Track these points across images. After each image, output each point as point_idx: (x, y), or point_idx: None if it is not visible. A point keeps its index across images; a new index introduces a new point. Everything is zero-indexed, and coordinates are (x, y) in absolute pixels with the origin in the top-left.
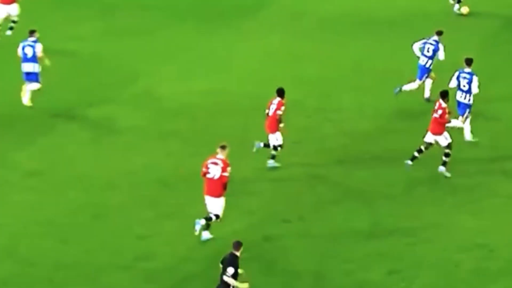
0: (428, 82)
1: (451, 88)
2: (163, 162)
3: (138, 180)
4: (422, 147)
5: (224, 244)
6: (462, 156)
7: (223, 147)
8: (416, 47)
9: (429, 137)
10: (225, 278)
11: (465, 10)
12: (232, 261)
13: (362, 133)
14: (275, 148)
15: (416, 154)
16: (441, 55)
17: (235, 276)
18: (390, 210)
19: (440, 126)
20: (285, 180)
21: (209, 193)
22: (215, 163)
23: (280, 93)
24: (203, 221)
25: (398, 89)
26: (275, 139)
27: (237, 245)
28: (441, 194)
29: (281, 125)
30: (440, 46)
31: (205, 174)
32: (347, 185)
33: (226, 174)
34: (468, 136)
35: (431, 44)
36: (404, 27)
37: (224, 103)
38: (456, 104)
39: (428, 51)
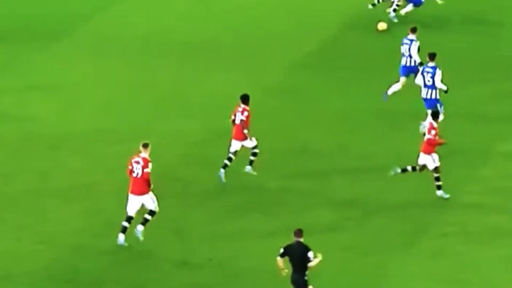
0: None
1: (417, 85)
2: None
3: None
4: (416, 168)
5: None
6: None
7: (145, 146)
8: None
9: (422, 159)
10: (311, 264)
11: (381, 27)
12: (305, 247)
13: (175, 158)
14: (254, 154)
15: (409, 168)
16: (413, 52)
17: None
18: None
19: (431, 147)
20: None
21: (134, 191)
22: (137, 162)
23: (245, 99)
24: (140, 227)
25: (385, 94)
26: (249, 143)
27: (300, 232)
28: None
29: (245, 131)
30: (414, 43)
31: (131, 172)
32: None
33: (147, 170)
34: None
35: (406, 43)
36: (213, 50)
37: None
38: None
39: (406, 51)
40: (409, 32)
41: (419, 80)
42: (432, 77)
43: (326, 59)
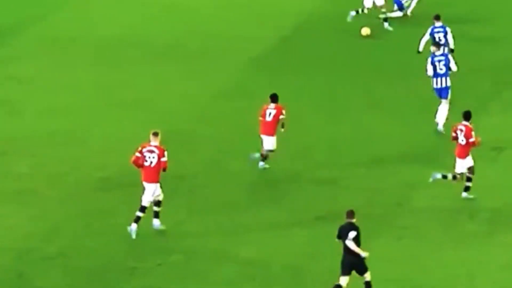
0: None
1: (429, 76)
2: None
3: None
4: (456, 176)
5: None
6: None
7: (155, 134)
8: (424, 40)
9: (460, 165)
10: (347, 242)
11: (365, 32)
12: (353, 227)
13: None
14: (270, 151)
15: (450, 176)
16: (450, 38)
17: (356, 241)
18: None
19: (467, 150)
20: None
21: (148, 180)
22: (151, 151)
23: (275, 98)
24: (157, 221)
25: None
26: (271, 143)
27: (352, 213)
28: None
29: (282, 129)
30: (448, 30)
31: (141, 161)
32: None
33: (165, 159)
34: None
35: (438, 31)
36: (169, 52)
37: None
38: (436, 92)
39: (440, 39)
40: (435, 21)
41: (430, 71)
42: (446, 65)
43: (281, 60)
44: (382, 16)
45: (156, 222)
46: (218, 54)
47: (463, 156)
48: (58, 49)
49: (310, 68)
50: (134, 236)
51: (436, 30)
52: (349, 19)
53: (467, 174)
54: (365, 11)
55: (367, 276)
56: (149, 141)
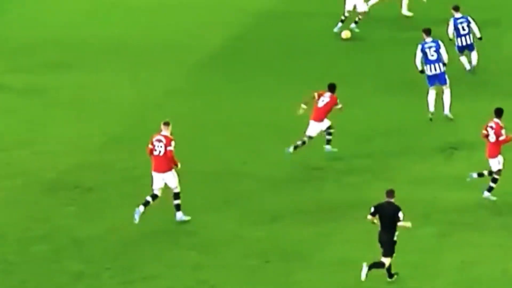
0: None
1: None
2: None
3: None
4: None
5: None
6: None
7: (166, 124)
8: (451, 31)
9: (496, 163)
10: (401, 223)
11: (345, 35)
12: (396, 207)
13: (72, 165)
14: (329, 133)
15: (486, 173)
16: (474, 26)
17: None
18: None
19: (498, 149)
20: None
21: (157, 169)
22: (159, 140)
23: (332, 88)
24: (179, 213)
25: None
26: (315, 129)
27: (392, 192)
28: None
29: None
30: (470, 18)
31: (151, 151)
32: None
33: (170, 148)
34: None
35: (462, 22)
36: (114, 52)
37: None
38: (428, 80)
39: (463, 29)
40: (454, 11)
41: (418, 61)
42: (437, 51)
43: (229, 59)
44: (356, 19)
45: (178, 215)
46: (171, 53)
47: (494, 154)
48: None
49: (262, 67)
50: (137, 219)
51: (458, 21)
52: (336, 29)
53: (495, 175)
54: (346, 14)
55: (387, 261)
56: (160, 131)
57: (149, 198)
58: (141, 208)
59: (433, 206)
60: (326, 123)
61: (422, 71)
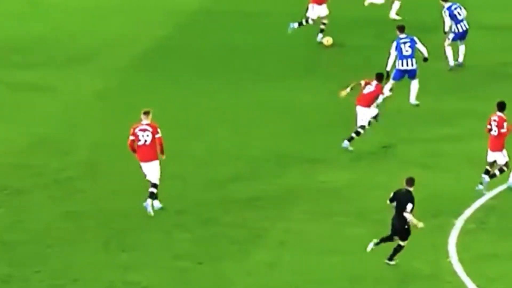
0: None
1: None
2: None
3: None
4: (488, 168)
5: None
6: None
7: (146, 113)
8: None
9: (492, 157)
10: (405, 214)
11: (327, 41)
12: (410, 197)
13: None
14: (362, 127)
15: (497, 172)
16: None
17: (412, 212)
18: None
19: (501, 142)
20: None
21: (143, 159)
22: (144, 129)
23: (380, 77)
24: (156, 202)
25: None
26: (364, 116)
27: (411, 181)
28: None
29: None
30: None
31: (133, 143)
32: None
33: (159, 135)
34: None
35: (456, 8)
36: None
37: None
38: (396, 74)
39: (462, 15)
40: (444, 2)
41: (391, 59)
42: (412, 47)
43: (160, 59)
44: (321, 26)
45: (148, 202)
46: (102, 54)
47: (498, 148)
48: None
49: (192, 67)
50: (151, 212)
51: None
52: (289, 30)
53: (503, 167)
54: (310, 21)
55: (403, 243)
56: (140, 121)
57: (151, 189)
58: (149, 201)
59: None
60: (374, 110)
61: (388, 75)
